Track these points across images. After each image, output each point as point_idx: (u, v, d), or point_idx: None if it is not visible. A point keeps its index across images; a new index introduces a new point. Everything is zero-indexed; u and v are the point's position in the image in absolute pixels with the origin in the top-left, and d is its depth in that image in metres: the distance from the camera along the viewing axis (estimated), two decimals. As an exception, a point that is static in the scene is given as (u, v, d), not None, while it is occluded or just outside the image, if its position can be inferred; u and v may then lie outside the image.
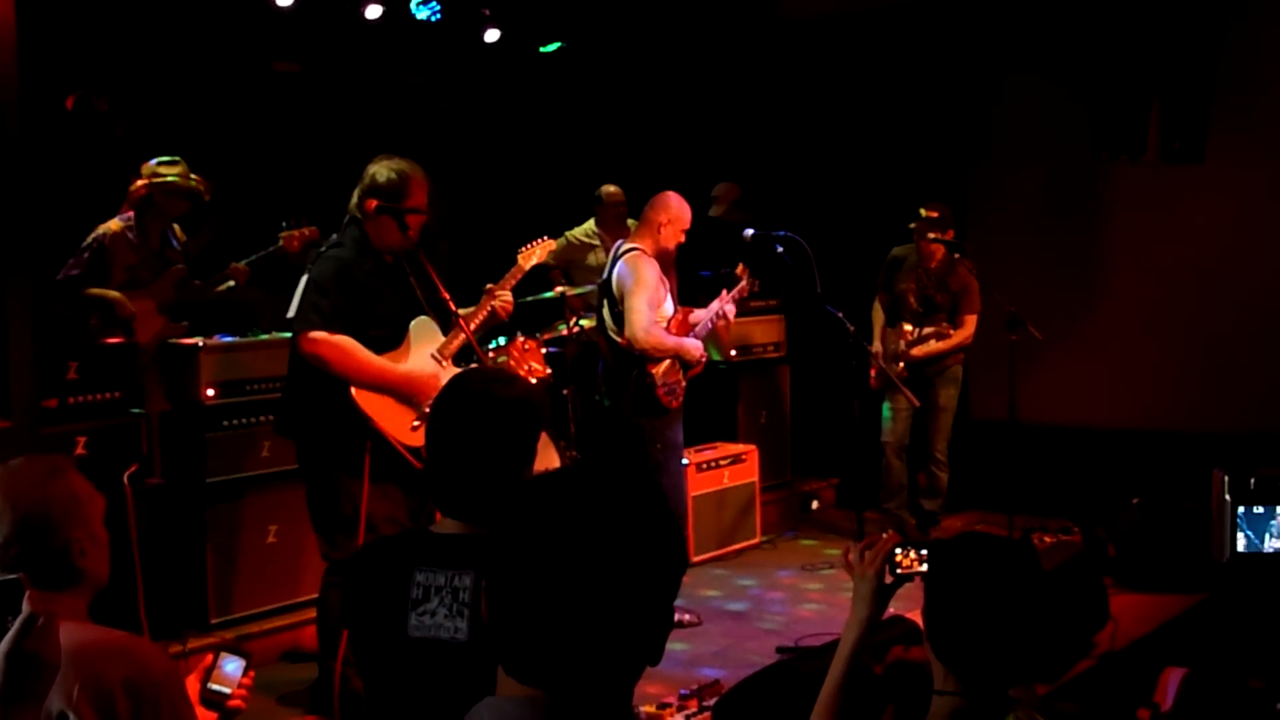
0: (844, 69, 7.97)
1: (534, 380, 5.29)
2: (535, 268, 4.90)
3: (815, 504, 7.73)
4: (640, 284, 5.28)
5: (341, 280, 4.12)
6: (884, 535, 2.52)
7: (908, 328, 6.64)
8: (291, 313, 4.19)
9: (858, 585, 2.45)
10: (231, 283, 5.56)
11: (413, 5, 6.65)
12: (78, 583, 2.21)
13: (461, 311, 4.44)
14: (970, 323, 6.65)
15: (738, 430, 7.24)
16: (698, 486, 6.46)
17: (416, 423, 4.14)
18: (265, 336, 5.24)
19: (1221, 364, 6.93)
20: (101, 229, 5.38)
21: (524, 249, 4.86)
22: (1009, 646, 2.09)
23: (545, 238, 4.97)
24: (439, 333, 4.38)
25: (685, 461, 6.06)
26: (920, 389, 6.48)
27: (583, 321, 6.55)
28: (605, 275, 5.53)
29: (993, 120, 7.70)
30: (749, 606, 5.86)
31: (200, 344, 5.00)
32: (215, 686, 2.30)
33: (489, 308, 4.54)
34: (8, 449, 3.71)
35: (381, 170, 4.23)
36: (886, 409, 6.79)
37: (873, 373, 6.58)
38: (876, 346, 6.70)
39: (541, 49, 7.61)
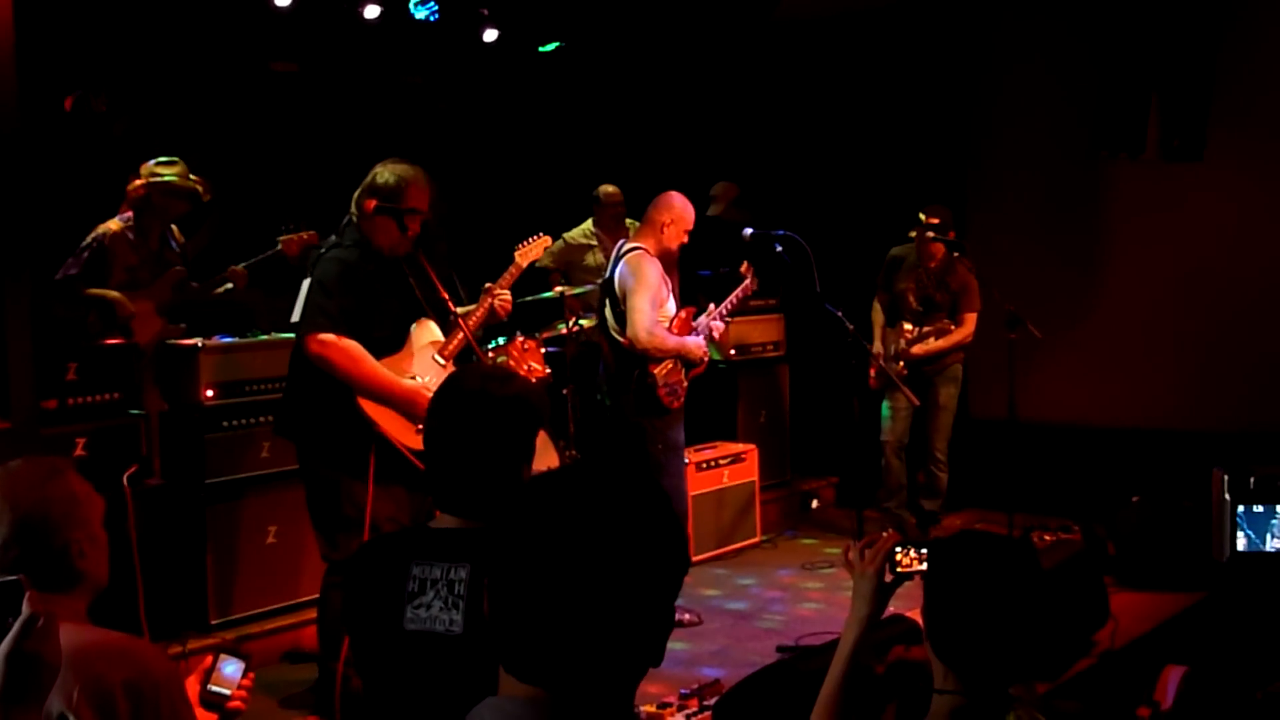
0: (842, 68, 7.97)
1: (534, 380, 5.29)
2: (534, 269, 4.90)
3: (815, 503, 7.73)
4: (643, 284, 5.28)
5: (346, 281, 4.13)
6: (884, 534, 2.52)
7: (908, 326, 6.64)
8: (296, 315, 4.19)
9: (858, 584, 2.45)
10: (230, 285, 5.57)
11: (411, 5, 6.65)
12: (77, 584, 2.21)
13: (460, 310, 4.45)
14: (970, 321, 6.65)
15: (737, 429, 7.24)
16: (697, 486, 6.46)
17: (420, 426, 4.14)
18: (264, 337, 5.23)
19: (1221, 362, 6.93)
20: (101, 229, 5.37)
21: (521, 246, 4.87)
22: (1009, 645, 2.09)
23: (541, 234, 4.98)
24: (440, 334, 4.39)
25: (685, 461, 6.05)
26: (920, 388, 6.48)
27: (582, 321, 6.55)
28: (607, 275, 5.52)
29: (992, 119, 7.71)
30: (749, 606, 5.86)
31: (199, 345, 4.99)
32: (215, 688, 2.30)
33: (488, 307, 4.55)
34: (7, 450, 3.71)
35: (383, 171, 4.25)
36: (886, 408, 6.79)
37: (872, 372, 6.58)
38: (877, 346, 6.70)
39: (540, 49, 7.61)
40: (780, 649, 5.05)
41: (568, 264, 7.32)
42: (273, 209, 5.65)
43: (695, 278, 7.00)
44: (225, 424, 5.00)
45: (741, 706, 3.33)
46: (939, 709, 2.12)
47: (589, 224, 7.41)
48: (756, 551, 6.83)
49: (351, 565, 2.37)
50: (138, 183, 5.39)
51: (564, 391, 6.30)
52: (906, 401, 6.31)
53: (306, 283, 4.21)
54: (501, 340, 5.70)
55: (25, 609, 2.10)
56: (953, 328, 6.61)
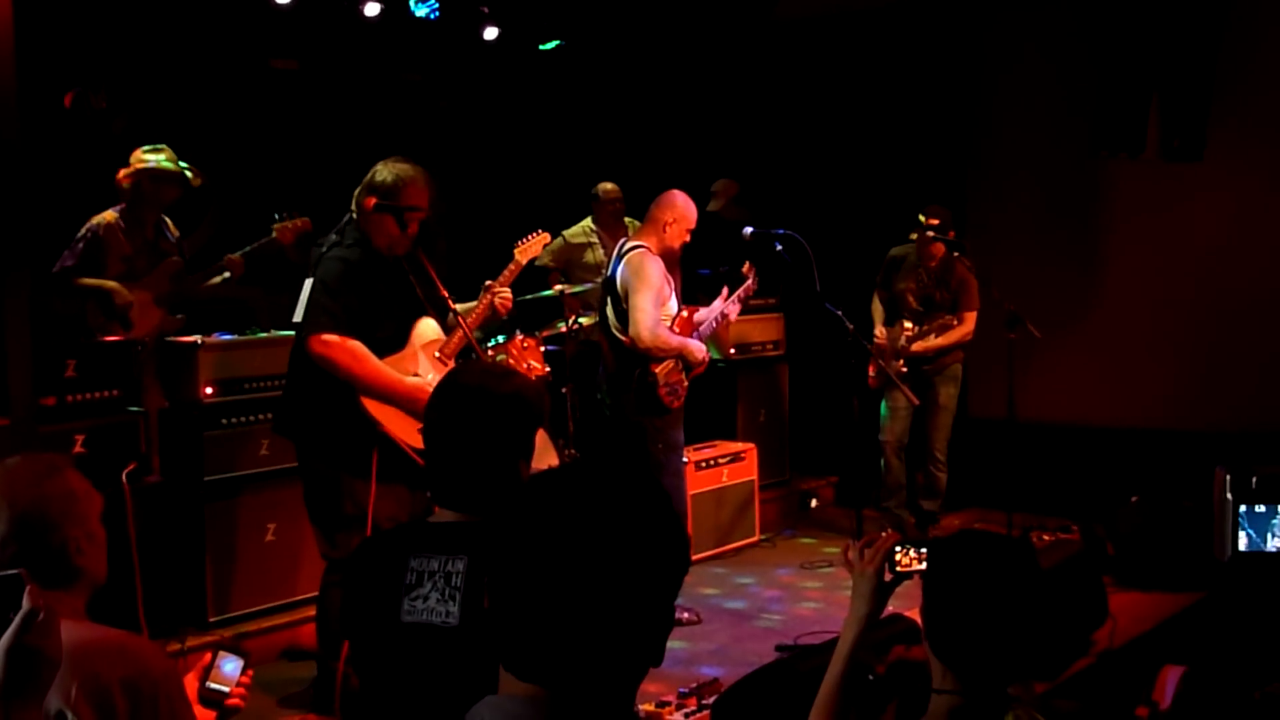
0: (842, 67, 7.97)
1: (533, 378, 5.29)
2: (534, 268, 4.90)
3: (814, 502, 7.73)
4: (645, 283, 5.27)
5: (348, 280, 4.13)
6: (883, 534, 2.51)
7: (907, 325, 6.63)
8: (298, 315, 4.18)
9: (857, 583, 2.45)
10: (227, 274, 5.54)
11: (411, 3, 6.64)
12: (75, 581, 2.21)
13: (460, 308, 4.44)
14: (970, 319, 6.65)
15: (737, 428, 7.24)
16: (697, 485, 6.46)
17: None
18: (264, 335, 5.23)
19: (1220, 362, 6.93)
20: (95, 220, 5.38)
21: (520, 243, 4.86)
22: (1007, 644, 2.09)
23: (540, 231, 4.97)
24: (441, 333, 4.39)
25: (684, 460, 6.05)
26: (919, 388, 6.48)
27: (582, 320, 6.54)
28: (609, 273, 5.52)
29: (992, 118, 7.70)
30: (748, 605, 5.86)
31: (199, 342, 4.99)
32: (214, 685, 2.30)
33: (489, 304, 4.55)
34: (5, 447, 3.71)
35: (382, 170, 4.25)
36: (885, 407, 6.79)
37: (871, 371, 6.58)
38: (878, 332, 6.70)
39: (540, 47, 7.61)
40: (779, 648, 5.05)
41: (567, 262, 7.32)
42: (273, 207, 5.64)
43: (695, 276, 7.00)
44: (224, 421, 5.00)
45: (740, 705, 3.33)
46: (937, 708, 2.12)
47: (588, 222, 7.41)
48: (755, 551, 6.83)
49: (350, 561, 2.39)
50: (125, 171, 5.40)
51: (563, 390, 6.30)
52: (906, 401, 6.31)
53: (308, 282, 4.21)
54: (501, 338, 5.70)
55: (26, 603, 2.10)
56: (955, 323, 6.61)
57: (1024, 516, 6.25)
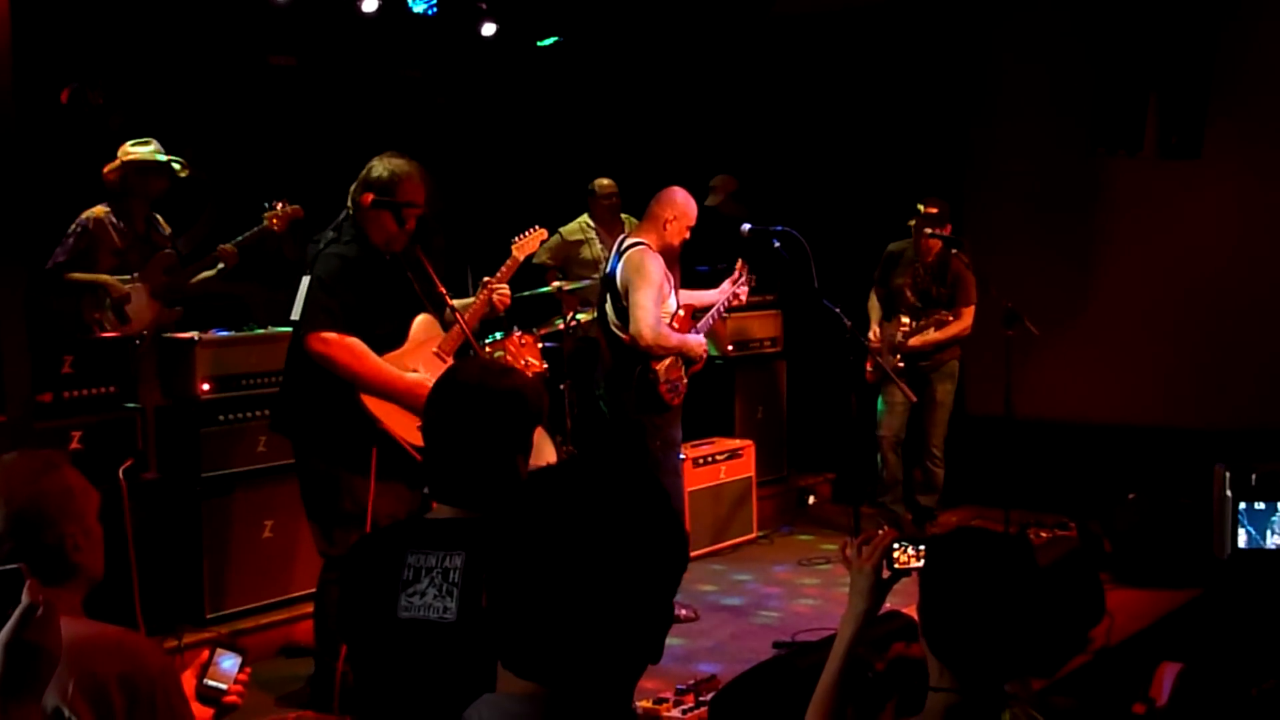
0: (840, 63, 7.96)
1: (531, 375, 5.29)
2: (532, 265, 4.89)
3: (811, 499, 7.73)
4: (646, 280, 5.26)
5: (346, 278, 4.13)
6: (881, 530, 2.51)
7: (904, 321, 6.63)
8: (296, 312, 4.18)
9: (855, 579, 2.45)
10: (221, 265, 5.52)
11: (409, -1, 6.64)
12: (72, 578, 2.20)
13: (458, 303, 4.44)
14: (967, 315, 6.65)
15: (734, 425, 7.23)
16: (694, 481, 6.46)
17: None
18: (261, 331, 5.22)
19: (1218, 359, 6.93)
20: (86, 214, 5.38)
21: (517, 239, 4.86)
22: (1004, 642, 2.09)
23: (537, 227, 4.97)
24: (440, 329, 4.38)
25: (682, 457, 6.05)
26: (917, 384, 6.48)
27: (579, 316, 6.54)
28: (608, 270, 5.51)
29: (989, 115, 7.70)
30: (745, 601, 5.86)
31: (196, 338, 4.99)
32: (211, 682, 2.29)
33: (486, 301, 4.54)
34: (2, 443, 3.70)
35: (378, 165, 4.24)
36: (881, 403, 6.79)
37: (869, 366, 6.58)
38: (874, 332, 6.70)
39: (538, 43, 7.60)
40: (776, 645, 5.05)
41: (564, 259, 7.31)
42: (270, 203, 5.63)
43: (693, 273, 6.99)
44: (221, 418, 5.00)
45: (738, 702, 3.33)
46: (934, 706, 2.12)
47: (584, 218, 7.41)
48: (753, 547, 6.83)
49: (347, 557, 2.39)
50: (111, 165, 5.39)
51: (561, 387, 6.30)
52: (903, 396, 6.31)
53: (306, 279, 4.20)
54: (499, 335, 5.69)
55: (25, 598, 2.09)
56: (950, 319, 6.61)
57: (1021, 513, 6.26)
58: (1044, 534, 5.69)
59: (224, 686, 2.31)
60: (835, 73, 7.98)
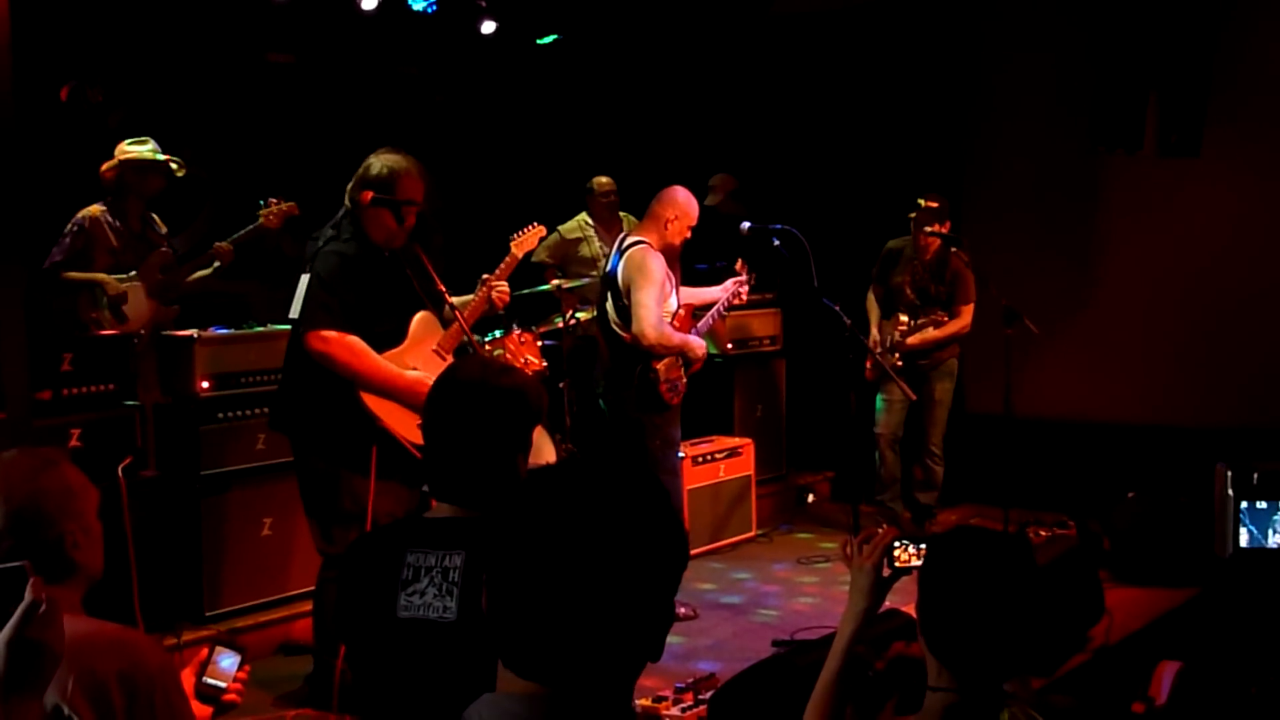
0: (839, 61, 7.96)
1: (530, 373, 5.28)
2: (531, 263, 4.89)
3: (811, 497, 7.73)
4: (647, 279, 5.26)
5: (347, 276, 4.12)
6: (883, 529, 2.51)
7: (903, 319, 6.63)
8: (295, 310, 4.17)
9: (855, 578, 2.45)
10: (217, 263, 5.53)
11: (408, -4, 6.64)
12: (71, 575, 2.20)
13: (457, 301, 4.44)
14: (966, 313, 6.65)
15: (733, 423, 7.23)
16: (693, 480, 6.45)
17: None
18: (260, 329, 5.22)
19: (1217, 357, 6.93)
20: (82, 213, 5.39)
21: (516, 236, 4.86)
22: (1003, 641, 2.09)
23: (536, 224, 4.97)
24: (439, 327, 4.38)
25: (681, 455, 6.05)
26: (916, 383, 6.48)
27: (579, 315, 6.54)
28: (609, 269, 5.51)
29: (989, 113, 7.70)
30: (744, 600, 5.86)
31: (195, 336, 4.99)
32: (210, 680, 2.29)
33: (486, 298, 4.54)
34: (1, 441, 3.70)
35: (375, 162, 4.23)
36: (880, 400, 6.80)
37: (868, 364, 6.58)
38: (873, 334, 6.70)
39: (537, 41, 7.60)
40: (776, 643, 5.05)
41: (563, 257, 7.31)
42: (266, 200, 5.63)
43: (693, 272, 6.99)
44: (220, 416, 4.99)
45: (737, 700, 3.33)
46: (933, 705, 2.11)
47: (583, 216, 7.41)
48: (752, 546, 6.83)
49: (346, 556, 2.38)
50: (108, 164, 5.40)
51: (560, 385, 6.30)
52: (901, 394, 6.30)
53: (305, 277, 4.20)
54: (498, 333, 5.69)
55: (28, 595, 2.09)
56: (947, 319, 6.61)
57: (1020, 512, 6.26)
58: (1043, 532, 5.71)
59: (223, 684, 2.31)
60: (834, 71, 7.98)
